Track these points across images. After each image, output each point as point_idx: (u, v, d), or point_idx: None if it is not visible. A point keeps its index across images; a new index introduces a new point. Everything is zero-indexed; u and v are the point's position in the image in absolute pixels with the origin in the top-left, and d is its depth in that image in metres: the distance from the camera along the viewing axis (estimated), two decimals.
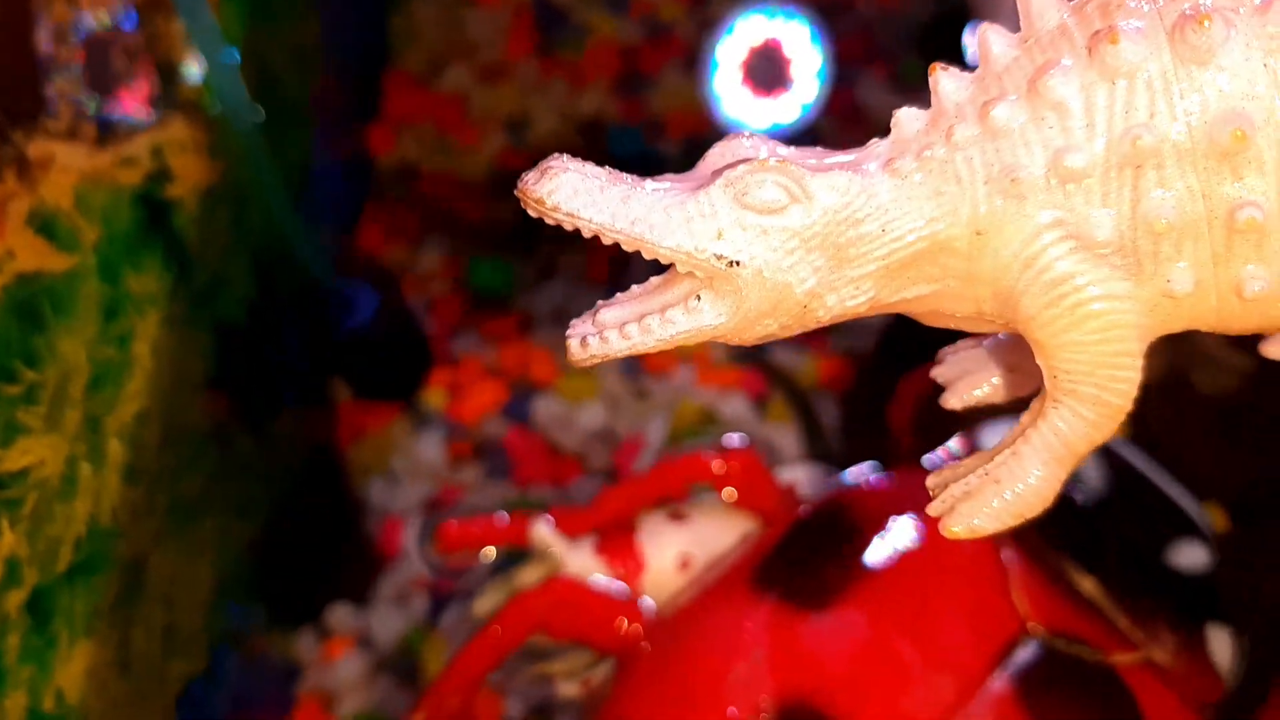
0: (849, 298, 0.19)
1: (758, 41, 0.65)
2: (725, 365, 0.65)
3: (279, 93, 0.56)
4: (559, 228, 0.21)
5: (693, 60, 0.74)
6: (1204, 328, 0.19)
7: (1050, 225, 0.18)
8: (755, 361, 0.65)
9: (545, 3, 0.77)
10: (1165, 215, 0.17)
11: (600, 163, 0.22)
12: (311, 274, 0.59)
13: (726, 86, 0.69)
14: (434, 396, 0.65)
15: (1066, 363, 0.18)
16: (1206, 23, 0.16)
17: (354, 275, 0.64)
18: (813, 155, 0.19)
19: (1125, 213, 0.18)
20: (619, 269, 0.68)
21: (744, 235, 0.18)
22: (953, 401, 0.22)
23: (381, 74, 0.74)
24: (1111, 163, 0.17)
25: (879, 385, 0.52)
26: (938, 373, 0.23)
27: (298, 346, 0.58)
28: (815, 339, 0.66)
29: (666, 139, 0.73)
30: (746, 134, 0.20)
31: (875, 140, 0.19)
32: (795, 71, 0.64)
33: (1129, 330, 0.18)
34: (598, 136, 0.73)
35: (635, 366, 0.66)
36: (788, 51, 0.64)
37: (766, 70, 0.66)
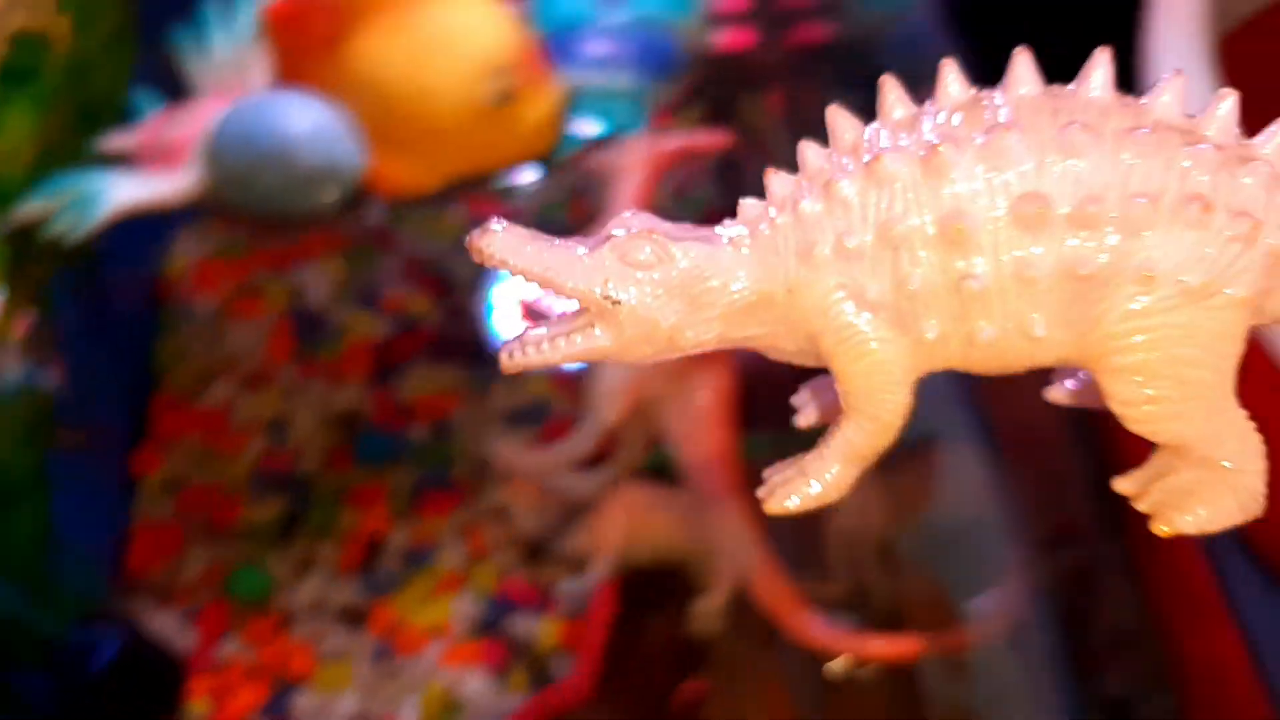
0: (704, 333, 0.26)
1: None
2: (467, 640, 0.70)
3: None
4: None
5: (440, 349, 0.81)
6: (959, 368, 0.25)
7: (836, 288, 0.25)
8: (496, 632, 0.70)
9: (302, 308, 0.84)
10: (914, 284, 0.24)
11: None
12: (48, 634, 0.62)
13: (506, 324, 0.73)
14: (198, 706, 0.69)
15: (851, 389, 0.25)
16: (942, 148, 0.23)
17: (115, 604, 0.69)
18: (684, 229, 0.26)
19: (888, 281, 0.24)
20: (372, 558, 0.74)
21: (624, 283, 0.25)
22: (802, 421, 0.29)
23: (149, 399, 0.80)
24: (878, 245, 0.24)
25: None
26: (796, 400, 0.30)
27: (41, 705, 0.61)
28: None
29: (417, 424, 0.79)
30: (641, 213, 0.26)
31: (729, 220, 0.26)
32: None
33: (895, 367, 0.24)
34: (353, 431, 0.79)
35: (386, 650, 0.70)
36: None
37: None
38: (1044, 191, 0.22)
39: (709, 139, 0.75)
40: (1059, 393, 0.28)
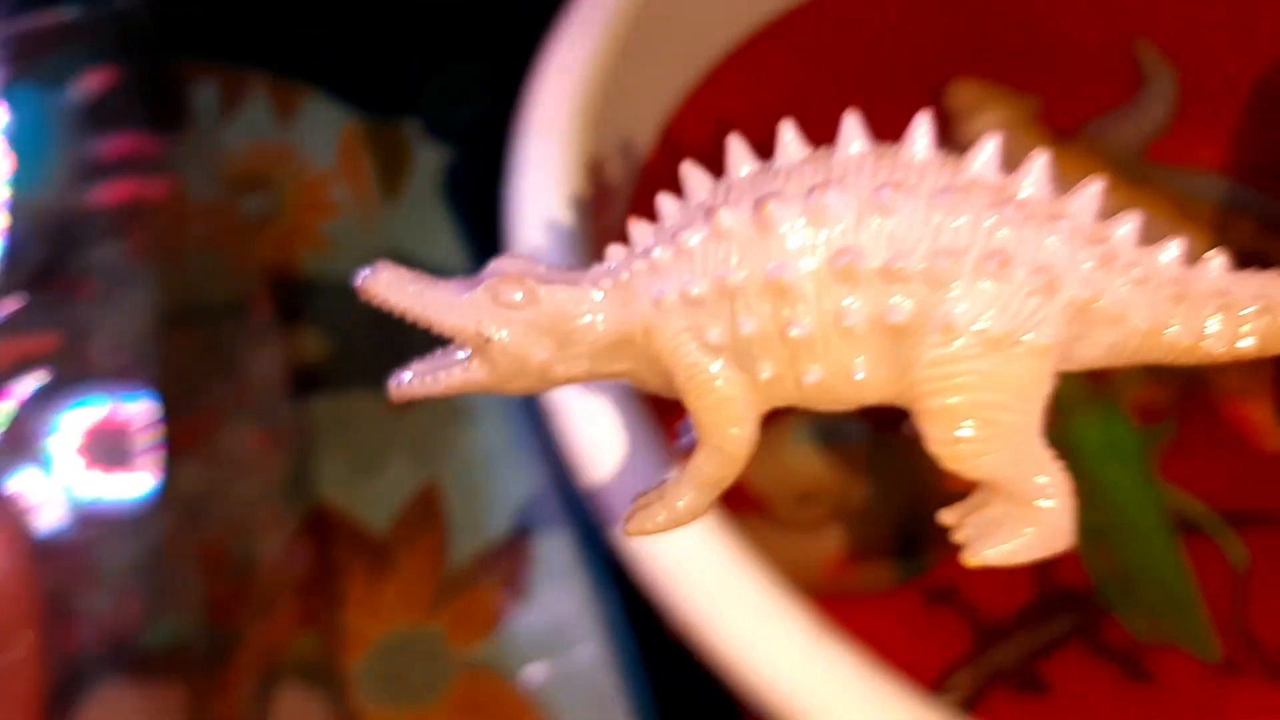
0: (574, 368, 0.27)
1: (93, 423, 0.54)
2: None
3: None
4: None
5: None
6: (797, 405, 0.26)
7: (683, 330, 0.26)
8: None
9: None
10: (747, 330, 0.25)
11: None
12: None
13: (68, 475, 0.56)
14: None
15: (699, 422, 0.26)
16: (769, 206, 0.24)
17: None
18: (557, 272, 0.27)
19: (726, 326, 0.25)
20: None
21: (495, 321, 0.26)
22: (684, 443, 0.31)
23: None
24: (715, 294, 0.25)
25: None
26: (681, 425, 0.32)
27: None
28: None
29: None
30: (519, 253, 0.28)
31: (597, 264, 0.27)
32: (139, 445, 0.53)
33: (737, 403, 0.26)
34: None
35: None
36: (130, 426, 0.53)
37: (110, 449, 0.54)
38: (858, 247, 0.24)
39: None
40: (910, 429, 0.28)
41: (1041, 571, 0.45)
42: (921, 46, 0.53)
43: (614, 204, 0.44)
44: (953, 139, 0.37)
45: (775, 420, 0.42)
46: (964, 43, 0.53)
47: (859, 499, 0.43)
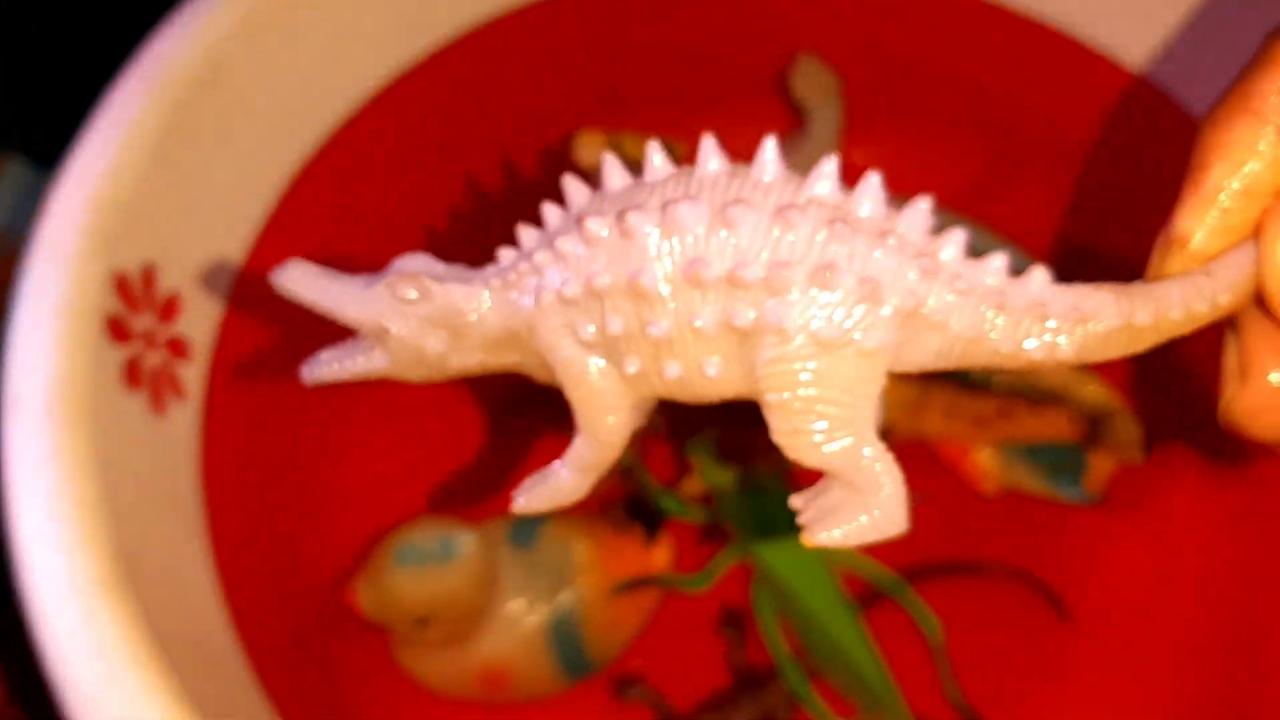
0: (467, 359, 0.29)
1: None
2: None
3: None
4: None
5: None
6: (664, 398, 0.28)
7: (560, 327, 0.28)
8: None
9: None
10: (613, 329, 0.27)
11: None
12: None
13: None
14: None
15: (577, 411, 0.28)
16: (629, 216, 0.26)
17: None
18: (454, 270, 0.29)
19: (598, 324, 0.27)
20: None
21: (393, 315, 0.29)
22: None
23: None
24: (586, 294, 0.27)
25: None
26: None
27: None
28: None
29: None
30: (420, 255, 0.30)
31: (489, 264, 0.29)
32: None
33: (609, 395, 0.28)
34: None
35: None
36: None
37: None
38: (707, 256, 0.26)
39: None
40: None
41: (731, 656, 0.47)
42: (545, 100, 0.51)
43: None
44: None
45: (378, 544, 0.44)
46: (592, 92, 0.51)
47: (502, 606, 0.44)
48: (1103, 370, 0.48)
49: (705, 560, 0.47)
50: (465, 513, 0.46)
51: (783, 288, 0.26)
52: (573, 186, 0.28)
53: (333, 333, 0.47)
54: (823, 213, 0.26)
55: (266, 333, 0.46)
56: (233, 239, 0.45)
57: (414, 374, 0.30)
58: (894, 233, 0.26)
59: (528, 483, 0.30)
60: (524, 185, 0.51)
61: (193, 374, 0.44)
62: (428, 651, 0.45)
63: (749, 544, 0.46)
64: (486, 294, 0.29)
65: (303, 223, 0.47)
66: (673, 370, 0.27)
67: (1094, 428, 0.48)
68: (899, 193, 0.50)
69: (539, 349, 0.28)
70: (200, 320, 0.44)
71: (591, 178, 0.47)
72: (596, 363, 0.28)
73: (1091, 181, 0.52)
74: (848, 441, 0.26)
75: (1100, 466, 0.48)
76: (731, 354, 0.27)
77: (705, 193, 0.26)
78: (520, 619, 0.45)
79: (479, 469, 0.49)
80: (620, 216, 0.26)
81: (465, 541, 0.43)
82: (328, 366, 0.30)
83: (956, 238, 0.26)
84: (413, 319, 0.29)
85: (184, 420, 0.43)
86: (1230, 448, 0.48)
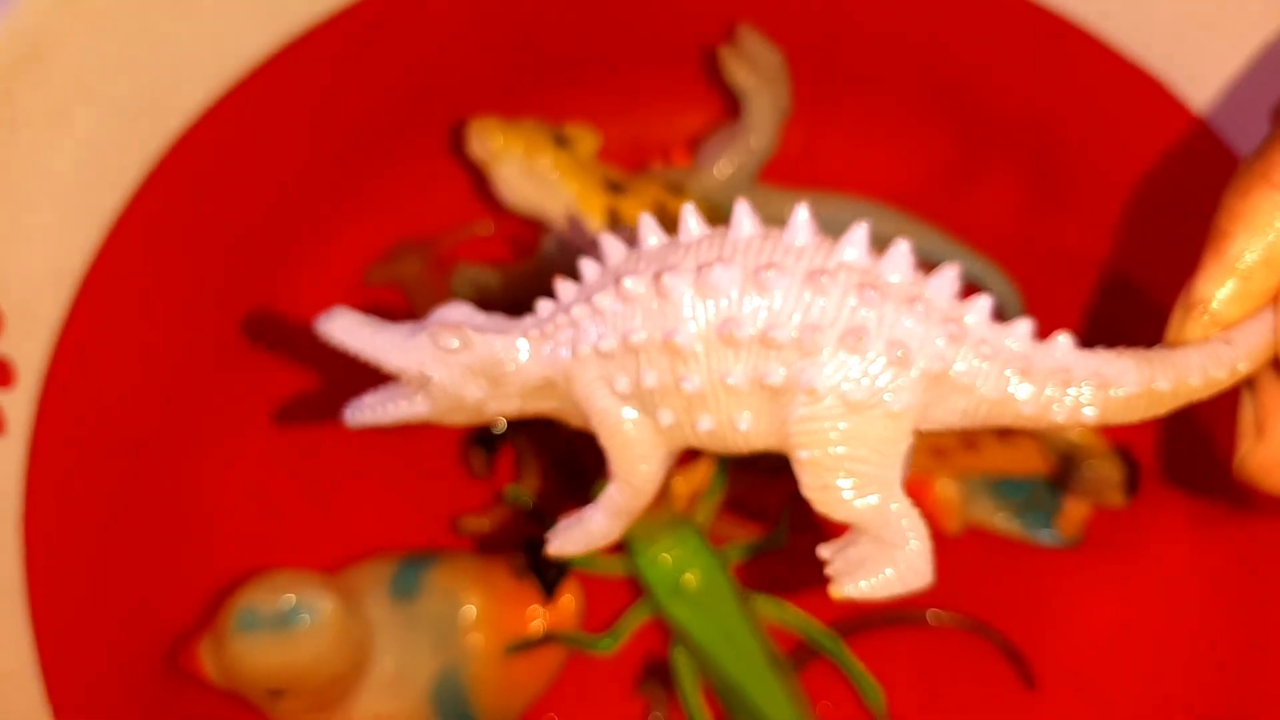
0: (505, 405, 0.31)
1: None
2: None
3: None
4: None
5: None
6: (696, 448, 0.30)
7: (596, 379, 0.29)
8: None
9: None
10: (648, 382, 0.28)
11: None
12: None
13: None
14: None
15: (611, 459, 0.30)
16: (665, 277, 0.28)
17: None
18: (494, 321, 0.30)
19: (632, 377, 0.28)
20: None
21: (435, 363, 0.30)
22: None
23: None
24: (622, 349, 0.28)
25: None
26: None
27: None
28: None
29: None
30: (461, 304, 0.31)
31: (529, 315, 0.30)
32: None
33: (641, 444, 0.29)
34: None
35: None
36: None
37: None
38: (740, 317, 0.27)
39: None
40: None
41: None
42: (434, 82, 0.45)
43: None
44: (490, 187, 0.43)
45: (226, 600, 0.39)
46: (489, 74, 0.45)
47: (378, 666, 0.40)
48: None
49: (621, 609, 0.41)
50: (341, 554, 0.42)
51: (814, 349, 0.27)
52: (609, 243, 0.29)
53: (178, 359, 0.42)
54: (853, 277, 0.27)
55: (108, 357, 0.40)
56: (68, 249, 0.39)
57: (453, 419, 0.31)
58: (922, 298, 0.28)
59: (561, 525, 0.32)
60: (407, 178, 0.45)
61: (17, 402, 0.38)
62: (295, 718, 0.39)
63: (661, 602, 0.40)
64: (525, 344, 0.30)
65: (156, 229, 0.41)
66: (705, 424, 0.28)
67: (1069, 466, 0.42)
68: (853, 189, 0.46)
69: (575, 399, 0.30)
70: (25, 342, 0.38)
71: (484, 171, 0.41)
72: (630, 414, 0.29)
73: (1076, 174, 0.45)
74: (875, 498, 0.28)
75: (1076, 506, 0.43)
76: (763, 410, 0.28)
77: (739, 256, 0.28)
78: (400, 681, 0.40)
79: (357, 506, 0.44)
80: (657, 277, 0.28)
81: (319, 604, 0.38)
82: (370, 411, 0.31)
83: (982, 303, 0.28)
84: (454, 367, 0.30)
85: (3, 457, 0.38)
86: (1223, 490, 0.42)
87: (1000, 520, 0.43)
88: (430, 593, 0.40)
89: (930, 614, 0.43)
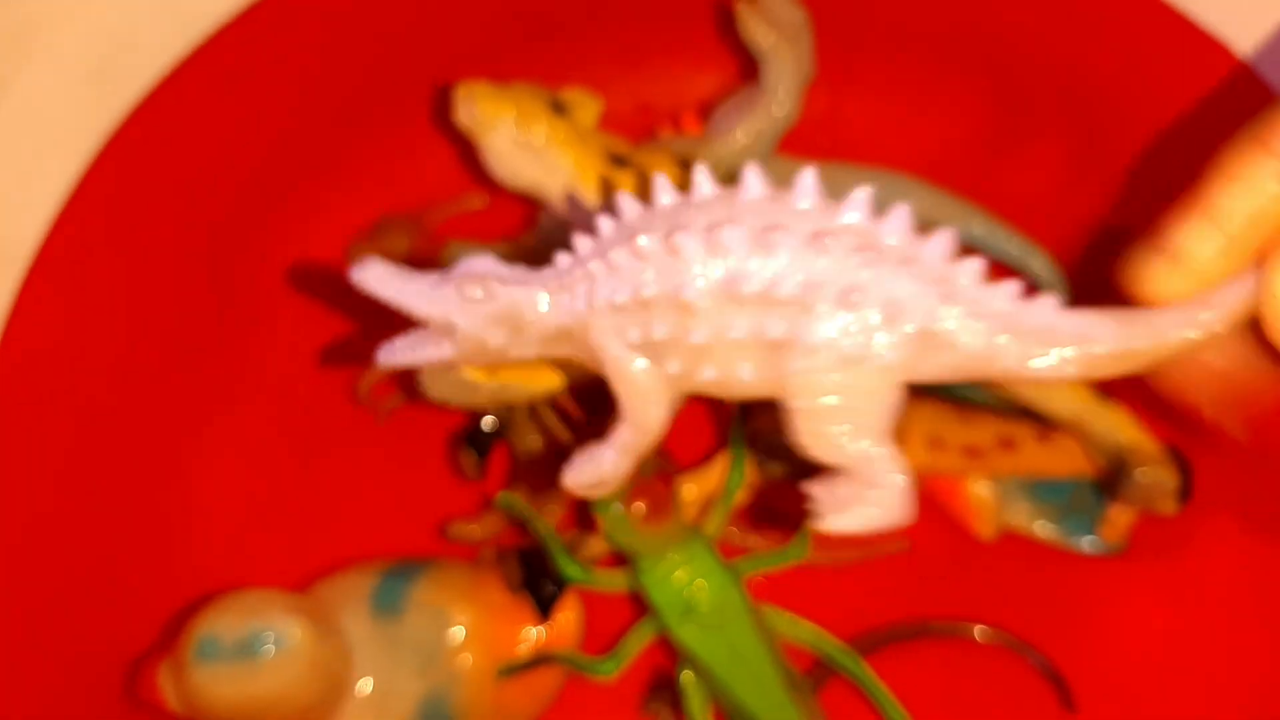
0: (525, 351, 0.32)
1: None
2: None
3: None
4: None
5: None
6: (702, 394, 0.31)
7: (609, 329, 0.31)
8: None
9: None
10: (657, 334, 0.30)
11: None
12: None
13: None
14: None
15: (622, 403, 0.32)
16: (676, 236, 0.30)
17: None
18: (516, 272, 0.32)
19: (644, 330, 0.31)
20: None
21: (459, 310, 0.32)
22: None
23: None
24: (634, 303, 0.30)
25: None
26: None
27: None
28: None
29: None
30: (485, 256, 0.33)
31: (548, 267, 0.32)
32: None
33: (650, 390, 0.31)
34: None
35: None
36: None
37: None
38: (744, 274, 0.29)
39: None
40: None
41: None
42: (422, 44, 0.42)
43: None
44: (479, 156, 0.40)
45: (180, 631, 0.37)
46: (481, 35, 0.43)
47: (357, 689, 0.37)
48: (1127, 396, 0.39)
49: (625, 625, 0.39)
50: (317, 562, 0.39)
51: (810, 306, 0.29)
52: (625, 201, 0.31)
53: (141, 350, 0.40)
54: (853, 239, 0.30)
55: (62, 350, 0.37)
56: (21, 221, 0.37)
57: (476, 363, 0.34)
58: (917, 259, 0.30)
59: (575, 462, 0.33)
60: (392, 147, 0.43)
61: None
62: None
63: (669, 624, 0.37)
64: (545, 296, 0.32)
65: (118, 202, 0.38)
66: (709, 373, 0.31)
67: (1119, 472, 0.39)
68: (879, 158, 0.43)
69: (590, 347, 0.32)
70: None
71: (472, 141, 0.40)
72: (641, 363, 0.31)
73: (1122, 136, 0.42)
74: (865, 443, 0.30)
75: (1120, 511, 0.40)
76: (763, 361, 0.30)
77: (746, 217, 0.30)
78: (382, 706, 0.37)
79: (335, 509, 0.41)
80: (668, 235, 0.30)
81: (287, 631, 0.35)
82: (401, 353, 0.33)
83: (973, 264, 0.30)
84: (478, 316, 0.32)
85: None
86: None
87: (1038, 526, 0.40)
88: (415, 609, 0.37)
89: (960, 628, 0.40)
